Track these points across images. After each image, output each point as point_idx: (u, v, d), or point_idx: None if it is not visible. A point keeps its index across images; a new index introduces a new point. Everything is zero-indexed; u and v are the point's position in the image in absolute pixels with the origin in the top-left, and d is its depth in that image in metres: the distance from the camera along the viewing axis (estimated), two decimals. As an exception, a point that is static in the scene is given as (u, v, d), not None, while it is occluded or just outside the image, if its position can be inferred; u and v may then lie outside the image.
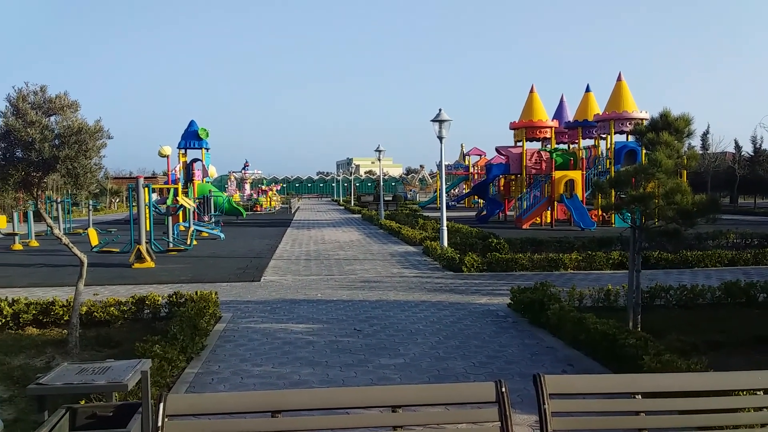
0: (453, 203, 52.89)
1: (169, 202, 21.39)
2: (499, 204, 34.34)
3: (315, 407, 3.37)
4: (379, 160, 38.43)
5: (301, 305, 10.63)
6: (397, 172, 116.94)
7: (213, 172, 41.49)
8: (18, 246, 20.95)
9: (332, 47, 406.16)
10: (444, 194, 20.60)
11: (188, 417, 3.34)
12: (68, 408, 4.14)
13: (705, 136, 55.37)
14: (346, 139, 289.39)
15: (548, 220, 29.69)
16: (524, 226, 27.81)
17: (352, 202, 57.26)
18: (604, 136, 30.22)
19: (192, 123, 32.31)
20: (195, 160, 32.53)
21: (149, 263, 15.73)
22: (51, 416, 3.96)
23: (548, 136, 31.81)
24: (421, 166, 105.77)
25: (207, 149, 32.58)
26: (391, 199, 56.37)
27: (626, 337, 6.57)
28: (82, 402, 4.77)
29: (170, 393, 4.54)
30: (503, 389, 3.37)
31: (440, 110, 18.54)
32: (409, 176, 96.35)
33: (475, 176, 51.73)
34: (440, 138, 18.75)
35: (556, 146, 32.84)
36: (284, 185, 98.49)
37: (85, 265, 7.99)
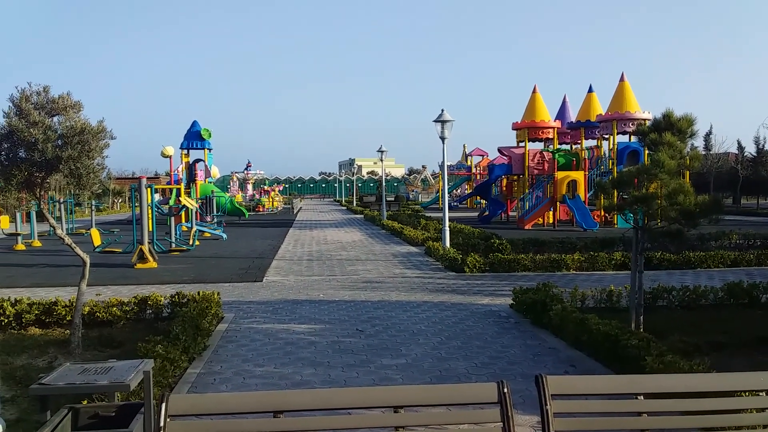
0: (455, 204, 52.93)
1: (171, 202, 21.46)
2: (501, 204, 34.33)
3: (317, 407, 3.37)
4: (381, 160, 38.45)
5: (303, 306, 10.63)
6: (399, 172, 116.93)
7: (215, 172, 41.59)
8: (21, 246, 21.00)
9: (332, 47, 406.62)
10: (446, 195, 20.60)
11: (190, 417, 3.34)
12: (70, 408, 4.15)
13: (708, 136, 55.34)
14: (348, 140, 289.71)
15: (550, 221, 29.67)
16: (526, 227, 27.80)
17: (355, 203, 57.25)
18: (606, 136, 30.18)
19: (194, 123, 32.38)
20: (198, 160, 32.60)
21: (152, 263, 15.74)
22: (53, 416, 3.97)
23: (551, 136, 31.79)
24: (423, 166, 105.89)
25: (209, 149, 32.66)
26: (393, 199, 56.39)
27: (629, 338, 6.56)
28: (85, 402, 4.78)
29: (172, 393, 4.55)
30: (505, 390, 3.37)
31: (442, 111, 18.55)
32: (411, 177, 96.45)
33: (478, 177, 51.68)
34: (442, 138, 18.76)
35: (558, 147, 32.82)
36: (286, 185, 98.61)
37: (88, 265, 8.00)
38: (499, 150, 34.77)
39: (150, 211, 17.90)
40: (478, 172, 52.89)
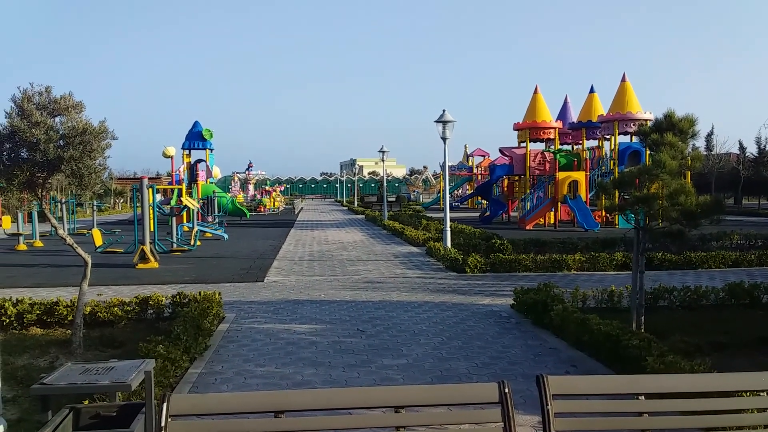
0: (456, 204, 52.92)
1: (173, 202, 21.47)
2: (502, 205, 34.32)
3: (318, 407, 3.37)
4: (383, 160, 38.45)
5: (305, 306, 10.64)
6: (400, 172, 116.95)
7: (217, 172, 41.63)
8: (22, 246, 21.03)
9: (332, 47, 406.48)
10: (447, 195, 20.59)
11: (191, 417, 3.35)
12: (72, 408, 4.16)
13: (709, 137, 55.23)
14: (348, 140, 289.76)
15: (552, 221, 29.67)
16: (528, 227, 27.79)
17: (356, 203, 57.27)
18: (608, 136, 30.17)
19: (196, 124, 32.38)
20: (199, 160, 32.61)
21: (153, 264, 15.76)
22: (54, 416, 3.97)
23: (552, 136, 31.77)
24: (424, 166, 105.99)
25: (211, 150, 32.66)
26: (394, 199, 56.39)
27: (630, 338, 6.56)
28: (86, 402, 4.78)
29: (174, 393, 4.55)
30: (506, 390, 3.37)
31: (444, 111, 18.56)
32: (412, 177, 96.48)
33: (479, 177, 51.67)
34: (444, 139, 18.76)
35: (559, 147, 32.81)
36: (288, 186, 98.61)
37: (89, 265, 8.01)
38: (501, 150, 34.77)
39: (151, 211, 17.91)
40: (479, 172, 52.87)
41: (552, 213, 29.56)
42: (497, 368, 6.96)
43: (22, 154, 7.25)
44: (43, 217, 23.70)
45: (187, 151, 31.75)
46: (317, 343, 8.09)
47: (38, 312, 8.93)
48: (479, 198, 44.44)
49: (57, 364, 6.78)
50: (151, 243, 16.30)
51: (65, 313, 8.93)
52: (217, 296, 9.47)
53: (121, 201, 57.03)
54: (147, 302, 9.39)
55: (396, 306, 10.57)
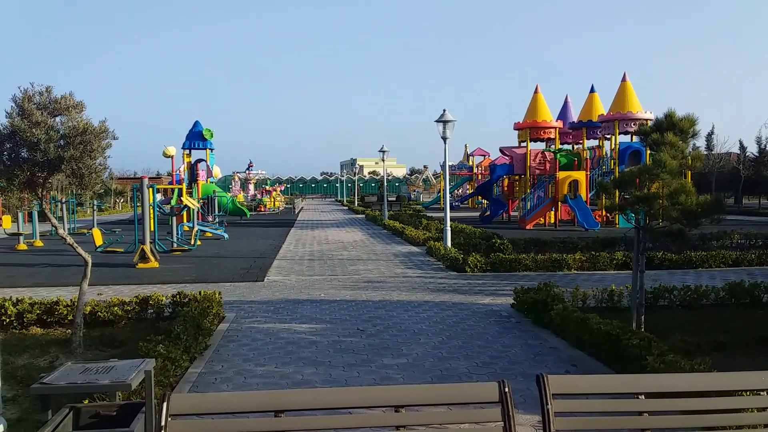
0: (457, 203, 52.92)
1: (173, 202, 21.47)
2: (502, 204, 34.33)
3: (318, 407, 3.37)
4: (383, 160, 38.44)
5: (305, 305, 10.64)
6: (400, 172, 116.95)
7: (217, 172, 41.63)
8: (22, 246, 21.03)
9: (332, 47, 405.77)
10: (447, 195, 20.59)
11: (191, 416, 3.35)
12: (72, 407, 4.16)
13: (710, 136, 55.26)
14: (348, 140, 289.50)
15: (552, 221, 29.66)
16: (528, 227, 27.79)
17: (356, 203, 57.29)
18: (608, 136, 30.17)
19: (196, 123, 32.38)
20: (199, 160, 32.61)
21: (153, 263, 15.76)
22: (55, 416, 3.97)
23: (552, 136, 31.76)
24: (424, 166, 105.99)
25: (211, 150, 32.65)
26: (394, 199, 56.39)
27: (630, 338, 6.56)
28: (86, 401, 4.79)
29: (174, 392, 4.55)
30: (506, 389, 3.37)
31: (444, 111, 18.56)
32: (412, 176, 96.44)
33: (479, 176, 51.68)
34: (444, 138, 18.76)
35: (560, 147, 32.81)
36: (288, 185, 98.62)
37: (90, 265, 8.01)
38: (501, 150, 34.77)
39: (152, 210, 17.91)
40: (479, 172, 52.88)
41: (552, 212, 29.56)
42: (497, 367, 6.96)
43: (22, 153, 7.25)
44: (43, 217, 23.74)
45: (187, 151, 31.74)
46: (317, 343, 8.09)
47: (38, 311, 8.93)
48: (479, 197, 44.42)
49: (57, 364, 6.78)
50: (151, 242, 16.31)
51: (65, 312, 8.94)
52: (217, 296, 9.47)
53: (122, 201, 57.05)
54: (147, 302, 9.39)
55: (396, 305, 10.57)
